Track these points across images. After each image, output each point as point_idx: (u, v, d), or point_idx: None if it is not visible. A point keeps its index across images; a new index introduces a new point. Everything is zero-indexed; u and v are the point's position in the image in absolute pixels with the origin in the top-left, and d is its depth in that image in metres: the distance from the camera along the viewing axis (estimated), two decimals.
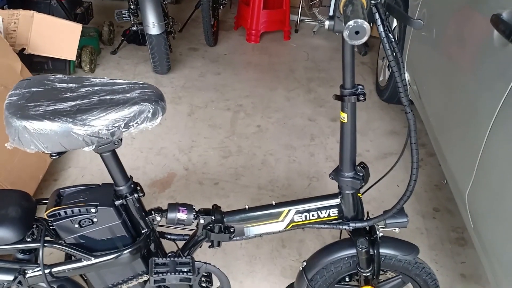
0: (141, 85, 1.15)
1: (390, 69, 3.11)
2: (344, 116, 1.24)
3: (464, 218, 1.80)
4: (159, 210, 1.34)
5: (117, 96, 1.10)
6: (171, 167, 2.59)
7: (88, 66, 3.37)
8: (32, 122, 1.01)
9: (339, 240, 1.55)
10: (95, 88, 1.12)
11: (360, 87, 1.20)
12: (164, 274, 1.24)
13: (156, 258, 1.29)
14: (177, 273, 1.25)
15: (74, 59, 3.18)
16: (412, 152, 1.24)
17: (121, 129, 1.08)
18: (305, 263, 1.54)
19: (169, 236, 1.43)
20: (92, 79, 1.16)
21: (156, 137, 2.83)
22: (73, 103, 1.06)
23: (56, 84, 1.12)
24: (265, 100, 3.28)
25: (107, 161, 1.21)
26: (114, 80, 1.16)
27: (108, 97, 1.09)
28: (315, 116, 3.12)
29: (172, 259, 1.29)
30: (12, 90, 1.08)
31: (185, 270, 1.26)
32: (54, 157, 1.12)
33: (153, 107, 1.10)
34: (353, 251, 1.45)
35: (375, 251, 1.41)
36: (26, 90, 1.09)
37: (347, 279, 1.59)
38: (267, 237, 2.15)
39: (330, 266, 1.50)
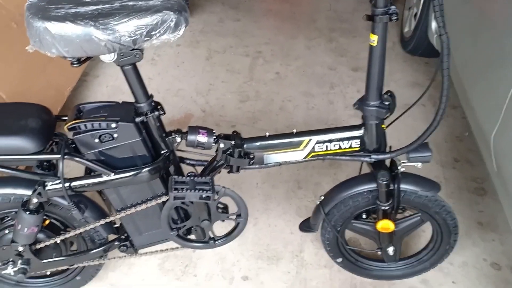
0: None
1: (416, 20, 2.99)
2: (374, 39, 1.18)
3: (487, 163, 1.76)
4: (179, 132, 1.32)
5: (140, 3, 1.06)
6: (188, 108, 2.57)
7: None
8: (54, 23, 0.98)
9: (358, 174, 1.53)
10: None
11: (393, 6, 1.14)
12: (184, 190, 1.24)
13: (176, 176, 1.29)
14: (196, 191, 1.24)
15: None
16: (443, 78, 1.19)
17: (143, 37, 1.04)
18: (322, 197, 1.53)
19: (188, 161, 1.42)
20: None
21: (173, 79, 2.80)
22: (95, 7, 1.03)
23: None
24: (285, 48, 3.20)
25: (128, 75, 1.19)
26: None
27: (130, 3, 1.05)
28: (335, 65, 3.04)
29: (191, 178, 1.29)
30: None
31: (205, 188, 1.25)
32: (75, 65, 1.09)
33: (176, 16, 1.06)
34: (372, 186, 1.43)
35: (396, 186, 1.39)
36: None
37: (363, 216, 1.58)
38: (283, 177, 2.14)
39: (348, 200, 1.48)
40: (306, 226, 1.64)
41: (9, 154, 1.15)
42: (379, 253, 1.59)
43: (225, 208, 1.45)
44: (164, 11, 1.05)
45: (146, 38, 1.05)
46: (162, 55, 3.01)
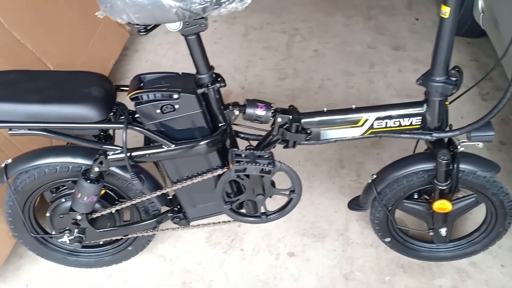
0: None
1: None
2: (446, 10, 1.13)
3: None
4: (237, 105, 1.30)
5: None
6: (227, 85, 2.54)
7: None
8: None
9: (414, 153, 1.50)
10: None
11: None
12: (245, 163, 1.22)
13: (236, 149, 1.28)
14: (257, 164, 1.23)
15: None
16: None
17: (212, 5, 1.02)
18: (375, 176, 1.50)
19: (242, 135, 1.41)
20: None
21: (211, 55, 2.70)
22: None
23: None
24: (322, 25, 3.14)
25: (191, 45, 1.17)
26: None
27: None
28: (375, 43, 2.97)
29: (251, 151, 1.27)
30: None
31: (265, 162, 1.24)
32: (142, 33, 1.08)
33: None
34: (429, 165, 1.39)
35: (455, 165, 1.35)
36: None
37: (415, 196, 1.55)
38: (325, 156, 2.12)
39: (402, 179, 1.45)
40: (355, 204, 1.62)
41: (73, 122, 1.16)
42: (431, 233, 1.57)
43: (273, 184, 1.43)
44: None
45: (216, 6, 1.03)
46: None
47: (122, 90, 1.27)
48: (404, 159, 1.47)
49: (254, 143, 1.41)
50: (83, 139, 1.22)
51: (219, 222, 1.52)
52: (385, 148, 2.16)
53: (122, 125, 1.17)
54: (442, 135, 1.32)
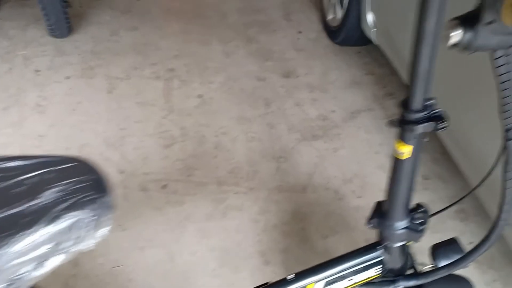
0: (57, 168, 0.60)
1: (343, 8, 2.64)
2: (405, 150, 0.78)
3: None
4: None
5: (21, 208, 0.54)
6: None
7: None
8: None
9: None
10: None
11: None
12: None
13: None
14: None
15: None
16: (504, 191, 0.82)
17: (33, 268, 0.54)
18: None
19: None
20: None
21: (72, 130, 2.18)
22: None
23: None
24: (199, 59, 2.69)
25: None
26: (7, 155, 0.59)
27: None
28: (263, 73, 2.61)
29: None
30: None
31: None
32: None
33: (93, 213, 0.57)
34: None
35: None
36: None
37: None
38: (244, 252, 1.73)
39: None
40: None
41: None
42: None
43: None
44: (72, 212, 0.55)
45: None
46: (50, 96, 2.36)
47: None
48: None
49: None
50: None
51: None
52: (309, 218, 1.84)
53: None
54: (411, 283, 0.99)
